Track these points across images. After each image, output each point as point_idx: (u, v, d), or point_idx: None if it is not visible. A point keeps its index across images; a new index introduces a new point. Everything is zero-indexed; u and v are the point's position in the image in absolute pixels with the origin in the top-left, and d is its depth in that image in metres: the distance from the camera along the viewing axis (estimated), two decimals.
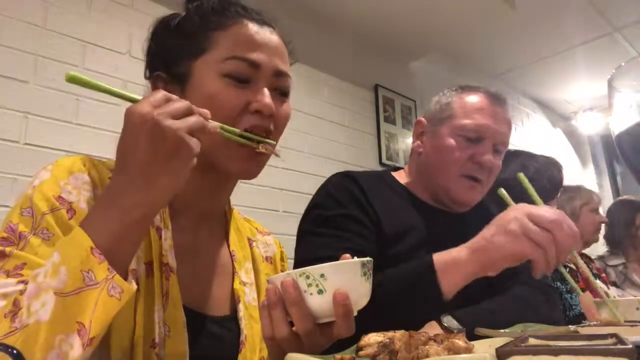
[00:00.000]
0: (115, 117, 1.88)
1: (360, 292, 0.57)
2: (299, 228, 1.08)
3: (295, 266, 0.96)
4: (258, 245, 0.89)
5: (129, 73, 1.99)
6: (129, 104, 0.55)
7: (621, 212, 2.66)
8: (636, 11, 3.22)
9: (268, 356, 0.63)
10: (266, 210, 2.36)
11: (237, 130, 0.68)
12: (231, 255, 0.82)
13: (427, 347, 0.44)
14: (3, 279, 0.53)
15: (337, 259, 0.58)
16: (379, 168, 2.83)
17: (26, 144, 1.70)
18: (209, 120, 0.58)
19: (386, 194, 1.12)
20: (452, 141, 1.10)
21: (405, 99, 3.33)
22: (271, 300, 0.57)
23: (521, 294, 0.99)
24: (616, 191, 5.19)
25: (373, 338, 0.48)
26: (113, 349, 0.59)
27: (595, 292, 0.87)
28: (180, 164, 0.54)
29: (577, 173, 4.91)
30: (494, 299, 0.94)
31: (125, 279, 0.54)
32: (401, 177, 1.22)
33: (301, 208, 1.11)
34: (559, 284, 1.86)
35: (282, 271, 0.91)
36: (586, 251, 2.40)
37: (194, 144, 0.54)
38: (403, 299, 0.85)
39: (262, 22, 0.75)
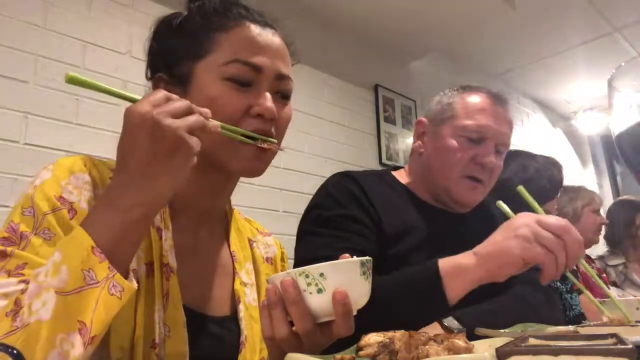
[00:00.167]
0: (115, 117, 1.87)
1: (359, 291, 0.57)
2: (298, 228, 1.08)
3: (295, 266, 0.96)
4: (259, 245, 0.89)
5: (129, 73, 1.99)
6: (128, 104, 0.55)
7: (621, 212, 2.66)
8: (636, 11, 3.22)
9: (268, 356, 0.63)
10: (266, 210, 2.36)
11: (239, 129, 0.68)
12: (232, 256, 0.81)
13: (427, 347, 0.44)
14: (4, 279, 0.53)
15: (336, 259, 0.58)
16: (379, 168, 2.83)
17: (26, 144, 1.70)
18: (210, 120, 0.59)
19: (387, 194, 1.12)
20: (453, 142, 1.10)
21: (405, 99, 3.33)
22: (271, 300, 0.57)
23: (522, 293, 0.99)
24: (616, 191, 5.19)
25: (373, 338, 0.48)
26: (113, 349, 0.59)
27: (600, 293, 0.87)
28: (180, 162, 0.54)
29: (577, 173, 4.91)
30: (494, 299, 0.94)
31: (126, 277, 0.54)
32: (402, 176, 1.22)
33: (301, 208, 1.11)
34: (559, 284, 1.86)
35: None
36: (587, 251, 2.40)
37: (194, 142, 0.54)
38: (407, 303, 0.84)
39: (264, 23, 0.75)
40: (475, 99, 1.13)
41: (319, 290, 0.54)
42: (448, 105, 1.15)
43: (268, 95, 0.71)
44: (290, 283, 0.55)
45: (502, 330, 0.67)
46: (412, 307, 0.84)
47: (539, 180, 1.79)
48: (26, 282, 0.52)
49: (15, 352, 0.46)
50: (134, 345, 0.61)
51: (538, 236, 0.77)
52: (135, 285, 0.54)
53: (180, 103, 0.55)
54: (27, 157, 1.68)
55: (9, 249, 0.55)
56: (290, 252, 1.00)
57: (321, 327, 0.58)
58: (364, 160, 2.94)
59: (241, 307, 0.76)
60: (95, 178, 0.66)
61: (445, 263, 0.84)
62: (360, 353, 0.47)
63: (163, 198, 0.56)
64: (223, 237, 0.84)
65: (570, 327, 0.69)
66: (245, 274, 0.81)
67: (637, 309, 0.78)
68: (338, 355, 0.47)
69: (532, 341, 0.43)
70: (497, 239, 0.81)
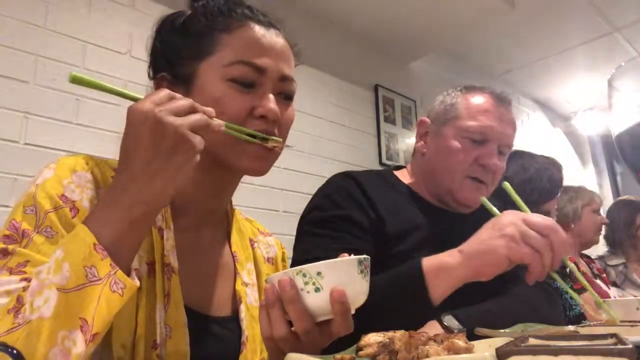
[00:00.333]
0: (116, 117, 1.89)
1: (357, 289, 0.57)
2: (297, 229, 1.08)
3: (293, 267, 0.96)
4: (260, 246, 0.89)
5: (130, 73, 1.99)
6: (130, 104, 0.55)
7: (621, 212, 2.66)
8: (636, 11, 3.22)
9: (268, 356, 0.63)
10: (266, 210, 2.36)
11: (244, 129, 0.68)
12: (233, 256, 0.81)
13: (427, 347, 0.44)
14: (6, 276, 0.53)
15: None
16: (379, 168, 2.83)
17: (26, 144, 1.70)
18: (214, 119, 0.59)
19: (388, 193, 1.12)
20: (456, 143, 1.10)
21: (405, 99, 3.33)
22: (269, 300, 0.57)
23: (522, 293, 0.99)
24: (616, 191, 5.19)
25: (373, 338, 0.48)
26: (115, 349, 0.59)
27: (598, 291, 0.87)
28: (183, 160, 0.54)
29: (577, 173, 4.91)
30: (495, 299, 0.94)
31: (128, 275, 0.54)
32: (404, 176, 1.22)
33: (301, 208, 1.11)
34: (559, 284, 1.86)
35: None
36: (587, 251, 2.40)
37: (197, 141, 0.55)
38: (392, 302, 0.83)
39: (268, 24, 0.75)
40: (478, 100, 1.12)
41: (317, 289, 0.54)
42: (451, 106, 1.15)
43: (271, 96, 0.71)
44: (288, 282, 0.55)
45: (502, 330, 0.67)
46: (397, 306, 0.84)
47: (539, 180, 1.79)
48: (28, 279, 0.52)
49: (15, 352, 0.46)
50: (135, 345, 0.61)
51: (524, 235, 0.76)
52: (137, 282, 0.55)
53: (183, 101, 0.55)
54: (27, 157, 1.68)
55: (10, 246, 0.56)
56: (290, 252, 1.00)
57: (320, 326, 0.58)
58: (364, 160, 2.94)
59: (242, 307, 0.76)
60: (97, 177, 0.66)
61: (429, 262, 0.83)
62: (360, 353, 0.47)
63: (165, 196, 0.56)
64: (224, 237, 0.83)
65: (570, 327, 0.69)
66: (247, 274, 0.81)
67: (637, 309, 0.78)
68: (338, 355, 0.47)
69: (532, 341, 0.43)
70: (483, 237, 0.81)
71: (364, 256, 0.58)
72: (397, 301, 0.83)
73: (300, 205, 1.15)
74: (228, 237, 0.84)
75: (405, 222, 1.06)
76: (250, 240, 0.88)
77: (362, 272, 0.57)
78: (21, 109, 1.71)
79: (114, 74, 1.96)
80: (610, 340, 0.39)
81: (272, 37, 0.73)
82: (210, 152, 0.66)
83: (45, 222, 0.58)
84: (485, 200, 0.89)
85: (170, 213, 0.72)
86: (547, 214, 1.77)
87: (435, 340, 0.46)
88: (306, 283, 0.55)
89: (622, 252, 2.60)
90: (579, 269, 2.07)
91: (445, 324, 0.83)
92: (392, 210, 1.06)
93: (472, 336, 0.53)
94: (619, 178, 5.33)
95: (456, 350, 0.43)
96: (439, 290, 0.81)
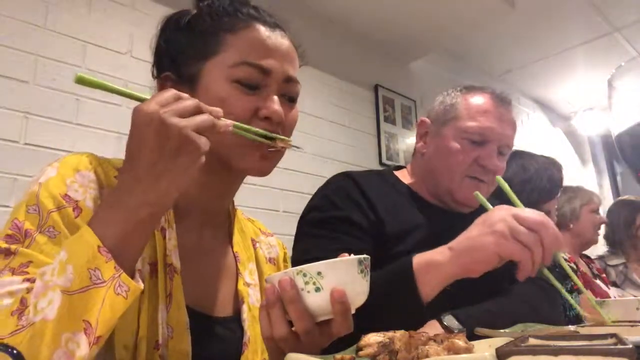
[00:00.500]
0: (116, 117, 1.89)
1: (357, 289, 0.57)
2: (296, 229, 1.08)
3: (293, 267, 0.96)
4: (262, 246, 0.89)
5: (130, 73, 1.99)
6: (129, 104, 0.55)
7: (621, 212, 2.66)
8: (636, 11, 3.22)
9: (268, 356, 0.63)
10: (266, 210, 2.36)
11: (252, 128, 0.67)
12: (235, 256, 0.81)
13: (427, 347, 0.44)
14: (8, 277, 0.53)
15: None
16: (379, 168, 2.83)
17: (26, 144, 1.70)
18: (222, 119, 0.58)
19: (388, 194, 1.12)
20: (456, 144, 1.09)
21: (405, 99, 3.33)
22: (269, 300, 0.57)
23: (522, 293, 0.99)
24: (616, 191, 5.18)
25: (373, 338, 0.48)
26: (117, 350, 0.59)
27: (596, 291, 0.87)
28: (187, 162, 0.54)
29: (577, 173, 4.91)
30: (495, 299, 0.94)
31: (132, 277, 0.54)
32: (404, 176, 1.22)
33: (301, 208, 1.11)
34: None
35: None
36: (587, 251, 2.40)
37: (202, 142, 0.54)
38: (382, 299, 0.83)
39: (274, 25, 0.74)
40: (478, 100, 1.12)
41: (317, 289, 0.54)
42: (451, 106, 1.14)
43: (276, 98, 0.71)
44: (288, 282, 0.55)
45: (502, 330, 0.67)
46: (388, 303, 0.83)
47: (539, 180, 1.79)
48: (30, 280, 0.52)
49: (15, 352, 0.46)
50: (137, 346, 0.61)
51: (514, 231, 0.76)
52: (141, 285, 0.54)
53: (188, 102, 0.55)
54: (27, 157, 1.68)
55: (13, 246, 0.55)
56: (291, 252, 1.00)
57: (320, 326, 0.58)
58: (364, 160, 2.94)
59: (245, 307, 0.76)
60: (100, 177, 0.65)
61: (419, 259, 0.83)
62: (360, 353, 0.47)
63: (169, 198, 0.55)
64: (226, 237, 0.83)
65: (571, 327, 0.69)
66: (249, 275, 0.81)
67: (637, 309, 0.78)
68: (338, 355, 0.47)
69: (532, 341, 0.43)
70: (473, 234, 0.80)
71: (364, 256, 0.58)
72: (388, 298, 0.83)
73: (300, 205, 1.15)
74: (230, 237, 0.83)
75: (405, 222, 1.06)
76: (252, 240, 0.88)
77: (362, 272, 0.57)
78: (21, 109, 1.71)
79: (114, 74, 1.96)
80: (610, 340, 0.39)
81: (278, 39, 0.73)
82: (213, 153, 0.66)
83: (48, 221, 0.58)
84: (479, 194, 0.88)
85: (172, 213, 0.72)
86: (547, 214, 1.76)
87: (435, 340, 0.46)
88: (306, 283, 0.55)
89: (622, 252, 2.60)
90: (578, 269, 2.07)
91: (445, 324, 0.83)
92: (392, 210, 1.06)
93: (472, 336, 0.53)
94: (619, 178, 5.33)
95: (456, 350, 0.43)
96: (428, 287, 0.81)
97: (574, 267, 2.02)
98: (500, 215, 0.79)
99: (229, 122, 0.60)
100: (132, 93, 0.57)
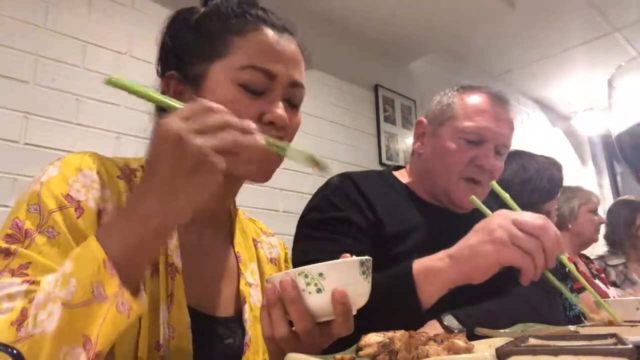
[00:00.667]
0: (116, 117, 1.89)
1: (358, 290, 0.57)
2: (296, 230, 1.08)
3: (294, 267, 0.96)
4: (263, 246, 0.89)
5: (130, 73, 1.99)
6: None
7: (621, 212, 2.66)
8: (636, 11, 3.22)
9: (268, 356, 0.63)
10: (266, 210, 2.36)
11: (285, 145, 0.64)
12: (236, 256, 0.81)
13: (427, 347, 0.44)
14: (8, 278, 0.52)
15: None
16: (379, 168, 2.83)
17: (26, 144, 1.70)
18: (255, 134, 0.54)
19: (387, 194, 1.11)
20: (452, 144, 1.09)
21: (405, 99, 3.33)
22: (270, 300, 0.57)
23: (522, 293, 0.98)
24: (616, 191, 5.18)
25: (373, 338, 0.48)
26: (117, 350, 0.59)
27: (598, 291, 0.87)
28: (204, 181, 0.51)
29: (577, 173, 4.91)
30: (495, 299, 0.94)
31: (137, 292, 0.53)
32: (403, 176, 1.21)
33: (301, 208, 1.11)
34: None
35: None
36: (586, 251, 2.40)
37: (220, 161, 0.51)
38: (382, 303, 0.83)
39: (282, 28, 0.74)
40: (474, 100, 1.12)
41: (318, 290, 0.54)
42: (447, 106, 1.14)
43: (281, 103, 0.71)
44: (290, 283, 0.55)
45: (502, 330, 0.67)
46: (387, 307, 0.83)
47: (539, 180, 1.79)
48: (30, 282, 0.51)
49: (15, 352, 0.45)
50: (138, 346, 0.60)
51: (514, 238, 0.75)
52: (144, 305, 0.53)
53: (216, 117, 0.51)
54: (27, 157, 1.68)
55: (12, 246, 0.55)
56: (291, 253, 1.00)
57: (321, 326, 0.58)
58: (364, 160, 2.94)
59: (246, 307, 0.76)
60: (103, 177, 0.65)
61: (419, 265, 0.83)
62: (360, 353, 0.48)
63: (185, 214, 0.53)
64: (228, 237, 0.83)
65: (571, 327, 0.69)
66: (250, 275, 0.81)
67: (637, 309, 0.78)
68: (338, 355, 0.47)
69: (532, 341, 0.43)
70: (472, 242, 0.79)
71: (366, 257, 0.58)
72: (388, 302, 0.83)
73: (300, 205, 1.15)
74: (231, 237, 0.83)
75: (404, 222, 1.06)
76: (254, 240, 0.88)
77: (364, 273, 0.57)
78: (21, 109, 1.71)
79: (114, 74, 1.96)
80: (610, 340, 0.39)
81: (285, 43, 0.72)
82: None
83: (49, 222, 0.58)
84: (475, 199, 0.88)
85: None
86: (547, 214, 1.77)
87: (435, 340, 0.46)
88: (308, 284, 0.55)
89: (622, 252, 2.60)
90: (577, 269, 2.07)
91: (445, 324, 0.83)
92: (391, 211, 1.06)
93: (472, 336, 0.53)
94: (619, 178, 5.33)
95: (456, 350, 0.43)
96: (427, 294, 0.81)
97: (574, 267, 2.02)
98: (499, 221, 0.78)
99: (261, 137, 0.56)
100: (163, 100, 0.55)
